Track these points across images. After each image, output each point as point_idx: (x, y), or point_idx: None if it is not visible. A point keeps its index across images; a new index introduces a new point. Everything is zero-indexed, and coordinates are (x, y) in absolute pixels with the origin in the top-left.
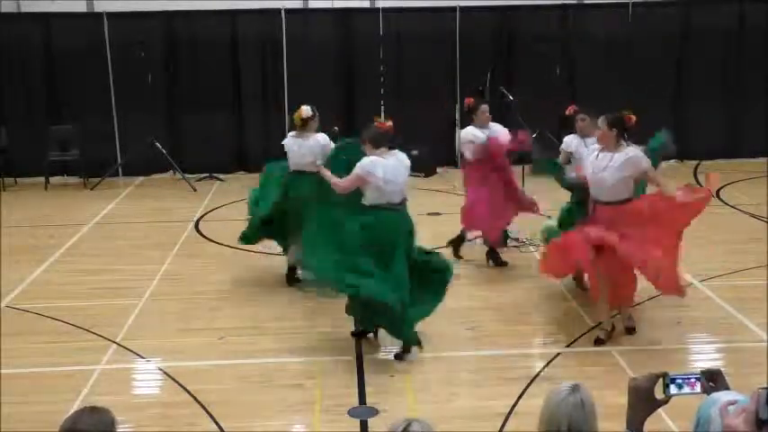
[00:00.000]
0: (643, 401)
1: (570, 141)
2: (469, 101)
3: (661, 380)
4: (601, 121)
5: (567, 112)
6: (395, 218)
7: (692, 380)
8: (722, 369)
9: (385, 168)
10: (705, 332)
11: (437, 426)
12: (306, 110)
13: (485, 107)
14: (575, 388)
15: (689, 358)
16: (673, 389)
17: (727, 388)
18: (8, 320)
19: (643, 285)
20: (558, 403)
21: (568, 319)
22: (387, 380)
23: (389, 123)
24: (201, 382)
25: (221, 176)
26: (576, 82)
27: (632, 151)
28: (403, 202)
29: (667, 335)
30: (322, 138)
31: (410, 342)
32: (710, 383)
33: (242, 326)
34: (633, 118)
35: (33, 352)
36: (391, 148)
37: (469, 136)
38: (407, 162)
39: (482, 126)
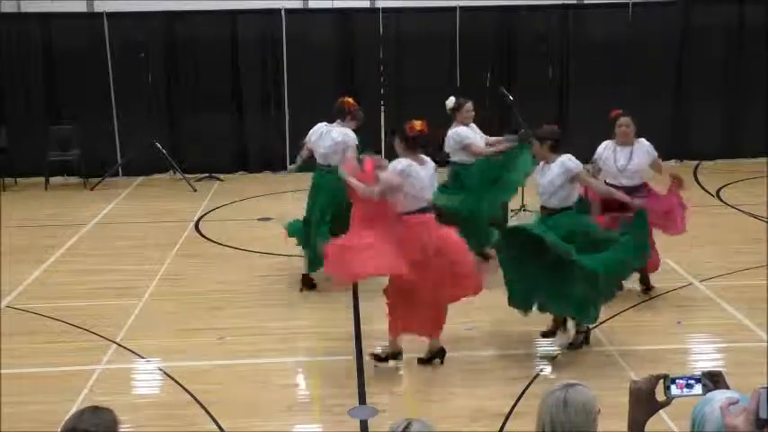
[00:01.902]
0: (644, 403)
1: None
2: (617, 113)
3: (662, 382)
4: None
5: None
6: (320, 178)
7: (693, 381)
8: (722, 369)
9: (314, 132)
10: (705, 332)
11: (437, 426)
12: (450, 101)
13: (625, 120)
14: (564, 387)
15: (689, 359)
16: (674, 390)
17: (727, 389)
18: (8, 320)
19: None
20: (544, 401)
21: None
22: (387, 380)
23: (350, 100)
24: (201, 382)
25: (221, 176)
26: (575, 82)
27: (399, 163)
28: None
29: (667, 335)
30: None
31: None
32: (711, 385)
33: (242, 326)
34: (416, 125)
35: (33, 352)
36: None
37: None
38: (336, 136)
39: (622, 144)
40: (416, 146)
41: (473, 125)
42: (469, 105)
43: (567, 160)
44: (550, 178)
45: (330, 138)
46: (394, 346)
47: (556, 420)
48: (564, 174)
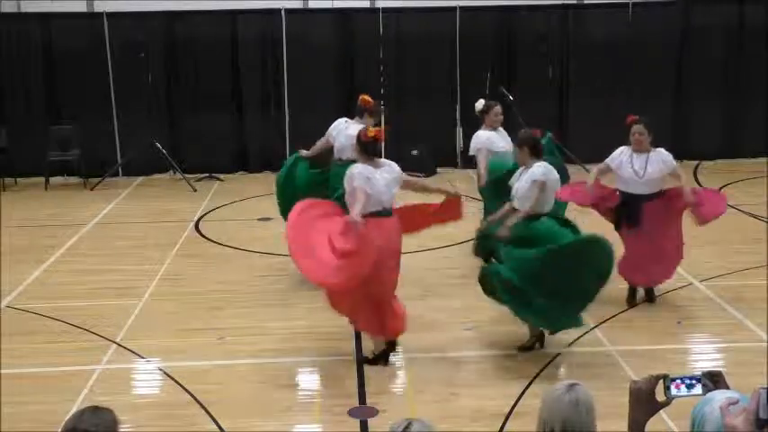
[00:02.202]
0: (644, 404)
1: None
2: (632, 119)
3: (662, 382)
4: None
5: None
6: (337, 170)
7: (693, 381)
8: (722, 369)
9: (335, 127)
10: (705, 332)
11: (437, 426)
12: (479, 103)
13: (638, 127)
14: (571, 387)
15: (689, 359)
16: (674, 390)
17: (727, 389)
18: (8, 320)
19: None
20: (553, 402)
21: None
22: (387, 380)
23: (367, 98)
24: (201, 382)
25: (221, 176)
26: (575, 82)
27: (355, 168)
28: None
29: (667, 335)
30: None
31: None
32: (711, 385)
33: (242, 326)
34: (370, 132)
35: (33, 352)
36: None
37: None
38: (352, 132)
39: (637, 151)
40: (369, 151)
41: (501, 129)
42: (498, 109)
43: (536, 167)
44: (522, 183)
45: (345, 134)
46: (379, 346)
47: (569, 420)
48: (531, 180)
